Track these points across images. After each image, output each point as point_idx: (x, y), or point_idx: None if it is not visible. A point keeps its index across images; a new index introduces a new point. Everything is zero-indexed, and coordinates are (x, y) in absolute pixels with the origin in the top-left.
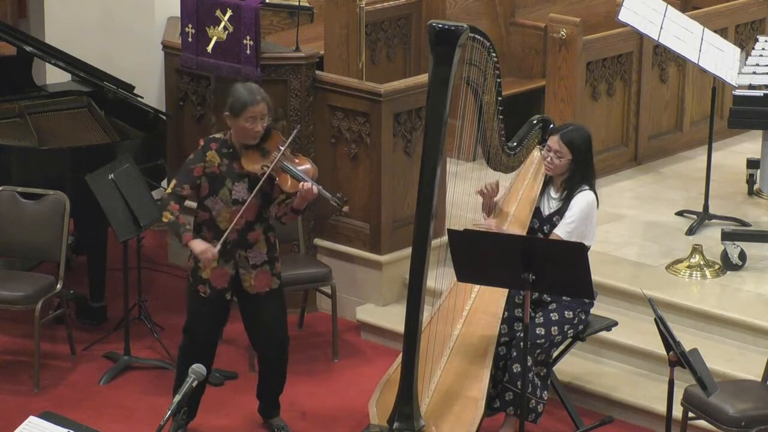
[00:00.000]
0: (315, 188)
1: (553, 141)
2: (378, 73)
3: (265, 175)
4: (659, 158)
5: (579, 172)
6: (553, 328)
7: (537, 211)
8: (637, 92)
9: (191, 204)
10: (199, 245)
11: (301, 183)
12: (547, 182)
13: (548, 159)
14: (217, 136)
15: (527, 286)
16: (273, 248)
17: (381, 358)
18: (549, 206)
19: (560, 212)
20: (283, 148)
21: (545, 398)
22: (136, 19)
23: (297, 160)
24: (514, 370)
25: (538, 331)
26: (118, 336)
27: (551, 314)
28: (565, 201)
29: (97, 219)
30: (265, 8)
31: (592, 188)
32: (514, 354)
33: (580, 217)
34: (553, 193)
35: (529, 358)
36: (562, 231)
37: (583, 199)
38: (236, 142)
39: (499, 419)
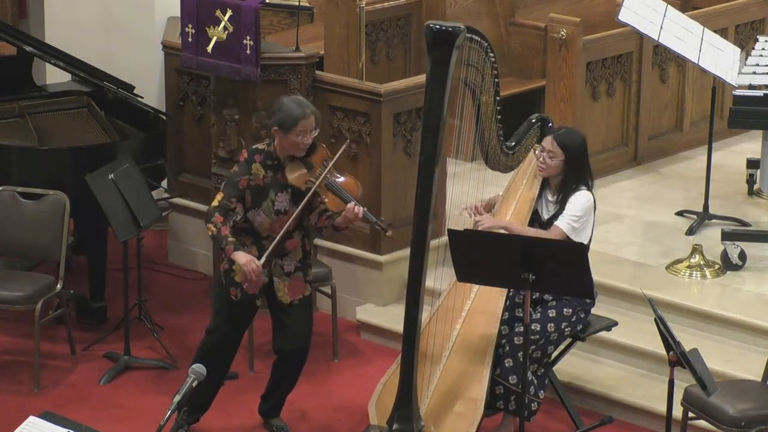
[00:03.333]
0: (361, 212)
1: (547, 141)
2: (378, 73)
3: (311, 192)
4: (659, 158)
5: (573, 175)
6: (549, 325)
7: (536, 215)
8: (637, 92)
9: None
10: (242, 257)
11: (348, 204)
12: (544, 186)
13: (541, 159)
14: (261, 147)
15: (527, 286)
16: (307, 255)
17: (381, 358)
18: (547, 210)
19: (557, 215)
20: (329, 166)
21: (541, 397)
22: (136, 19)
23: (341, 177)
24: (506, 365)
25: (533, 327)
26: (118, 336)
27: (549, 311)
28: (561, 203)
29: (97, 219)
30: (265, 8)
31: (590, 190)
32: (507, 349)
33: (581, 214)
34: (549, 197)
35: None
36: (564, 224)
37: (582, 196)
38: (281, 153)
39: (499, 420)
